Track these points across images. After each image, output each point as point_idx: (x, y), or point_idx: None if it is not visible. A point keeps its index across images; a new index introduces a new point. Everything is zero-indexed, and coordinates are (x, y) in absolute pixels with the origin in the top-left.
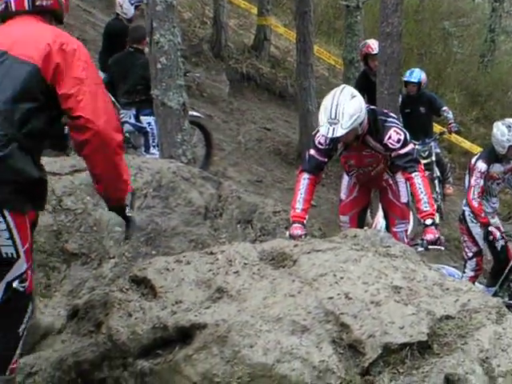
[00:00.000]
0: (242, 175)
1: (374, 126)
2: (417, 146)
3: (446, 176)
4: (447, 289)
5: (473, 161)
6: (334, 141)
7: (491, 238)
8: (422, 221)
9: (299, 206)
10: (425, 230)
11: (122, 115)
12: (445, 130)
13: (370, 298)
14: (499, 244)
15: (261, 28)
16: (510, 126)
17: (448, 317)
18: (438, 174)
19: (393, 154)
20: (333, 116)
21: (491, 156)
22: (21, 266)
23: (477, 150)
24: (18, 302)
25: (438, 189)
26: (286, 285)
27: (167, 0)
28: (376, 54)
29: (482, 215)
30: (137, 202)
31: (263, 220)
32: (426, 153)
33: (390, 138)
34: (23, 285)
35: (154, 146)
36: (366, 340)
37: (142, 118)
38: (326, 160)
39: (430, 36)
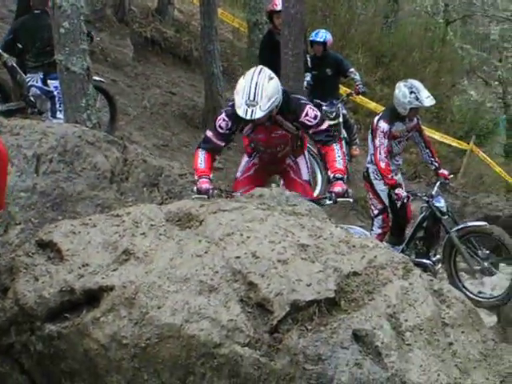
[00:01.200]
0: (147, 139)
1: (287, 105)
2: (324, 108)
3: (353, 137)
4: (354, 246)
5: (375, 121)
6: (238, 125)
7: (396, 198)
8: (332, 176)
9: (202, 166)
10: (333, 183)
11: (28, 79)
12: (351, 91)
13: (277, 256)
14: (399, 202)
15: None
16: (411, 88)
17: (355, 273)
18: (345, 135)
19: (311, 131)
20: (251, 97)
21: (392, 115)
22: None
23: (381, 110)
24: None
25: (344, 150)
26: (192, 245)
27: None
28: (280, 11)
29: (389, 176)
30: (42, 168)
31: (169, 183)
32: (334, 114)
33: (306, 115)
34: None
35: (60, 111)
36: (274, 298)
37: (49, 81)
38: (224, 144)
39: None
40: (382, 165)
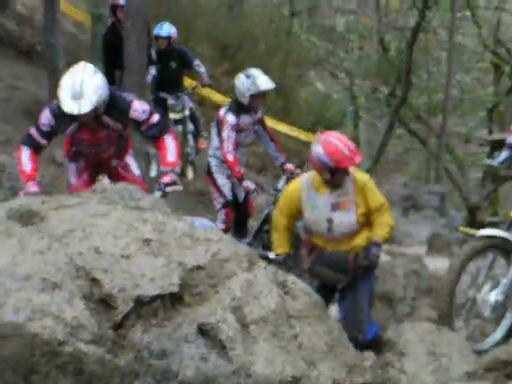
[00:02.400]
0: None
1: (112, 102)
2: (170, 101)
3: (200, 130)
4: (197, 239)
5: (221, 113)
6: (62, 124)
7: (245, 191)
8: (162, 169)
9: (27, 168)
10: (162, 175)
11: None
12: (197, 83)
13: (121, 251)
14: (241, 196)
15: None
16: (248, 76)
17: (199, 267)
18: (192, 128)
19: (143, 128)
20: (77, 92)
21: (238, 107)
22: None
23: (228, 102)
24: None
25: (191, 143)
26: (34, 242)
27: None
28: (124, 6)
29: (237, 169)
30: None
31: (12, 179)
32: (180, 107)
33: (135, 110)
34: None
35: None
36: (117, 294)
37: None
38: (45, 143)
39: None
40: (230, 157)
